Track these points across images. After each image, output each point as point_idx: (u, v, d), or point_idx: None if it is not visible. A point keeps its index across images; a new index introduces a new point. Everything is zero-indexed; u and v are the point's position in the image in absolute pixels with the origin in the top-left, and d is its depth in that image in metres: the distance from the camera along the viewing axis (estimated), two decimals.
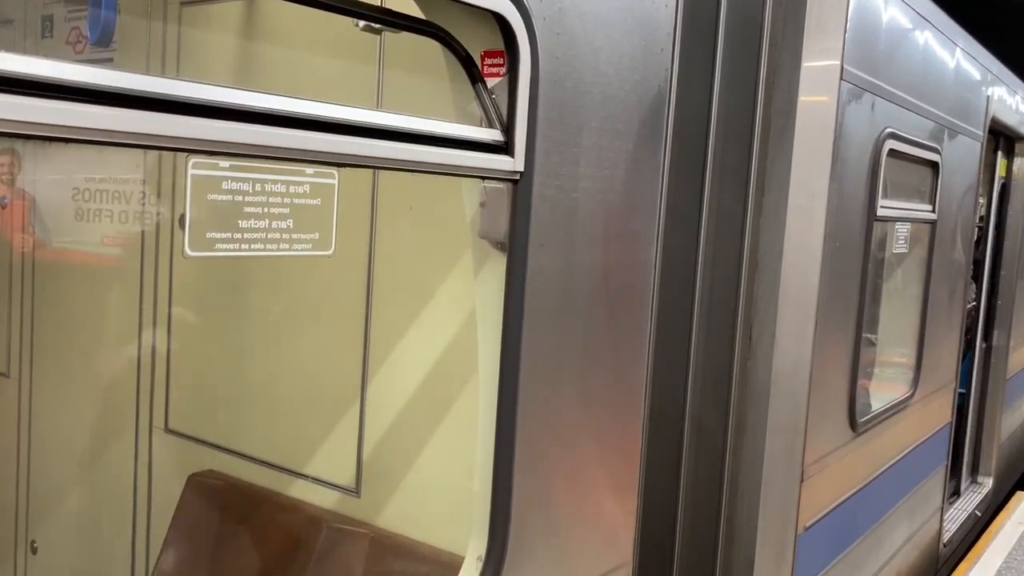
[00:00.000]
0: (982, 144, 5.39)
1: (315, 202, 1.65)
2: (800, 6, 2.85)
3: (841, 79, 3.11)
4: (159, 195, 3.51)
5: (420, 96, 2.75)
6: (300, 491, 3.22)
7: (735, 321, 2.94)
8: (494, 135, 2.01)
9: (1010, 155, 6.81)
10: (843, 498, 3.71)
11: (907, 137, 3.86)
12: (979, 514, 6.52)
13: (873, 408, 4.06)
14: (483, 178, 2.05)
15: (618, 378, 2.56)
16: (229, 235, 1.53)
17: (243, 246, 1.54)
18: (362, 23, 2.41)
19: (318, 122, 1.59)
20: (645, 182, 2.55)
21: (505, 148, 2.02)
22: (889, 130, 3.63)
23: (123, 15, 3.22)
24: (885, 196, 3.70)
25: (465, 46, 2.00)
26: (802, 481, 3.21)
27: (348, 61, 2.98)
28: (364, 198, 3.07)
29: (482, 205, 2.13)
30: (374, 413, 3.09)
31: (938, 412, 5.16)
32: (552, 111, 2.13)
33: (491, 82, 2.06)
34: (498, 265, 2.13)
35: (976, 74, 5.17)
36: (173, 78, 1.42)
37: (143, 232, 3.63)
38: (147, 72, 1.52)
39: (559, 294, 2.26)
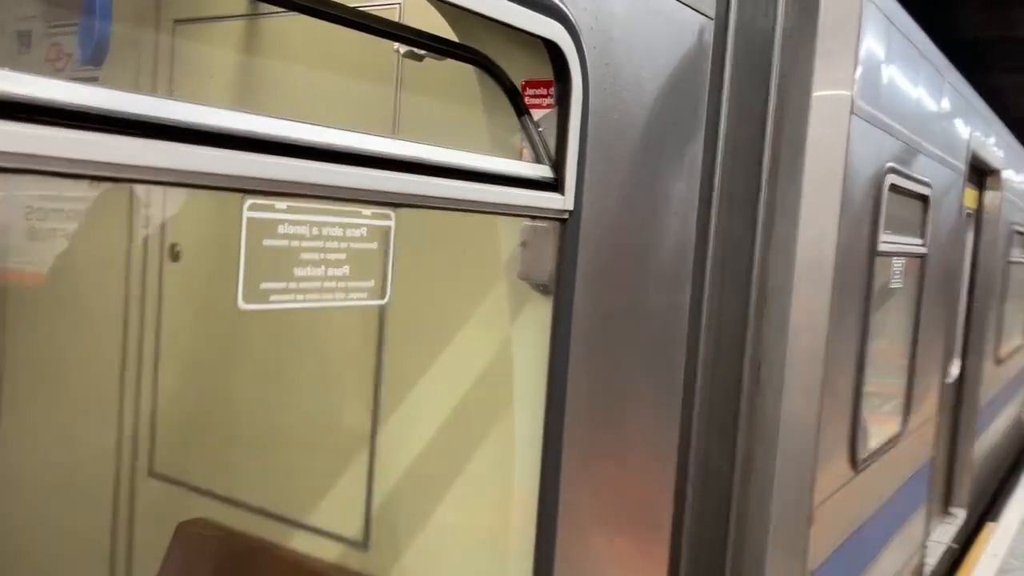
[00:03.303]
0: (964, 178, 5.43)
1: (372, 246, 1.50)
2: (811, 37, 2.80)
3: (852, 112, 3.08)
4: (148, 220, 3.30)
5: (439, 123, 2.61)
6: (302, 543, 3.01)
7: (743, 357, 2.86)
8: (543, 171, 1.88)
9: (981, 187, 6.88)
10: (843, 540, 3.64)
11: (906, 172, 3.85)
12: (955, 546, 6.52)
13: (870, 445, 4.01)
14: (533, 217, 1.92)
15: (654, 426, 2.45)
16: (284, 285, 1.36)
17: (298, 296, 1.37)
18: (404, 49, 2.27)
19: (375, 159, 1.44)
20: (682, 218, 2.45)
21: (555, 185, 1.89)
22: (890, 164, 3.60)
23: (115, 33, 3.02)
24: (884, 231, 3.67)
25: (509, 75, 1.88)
26: (810, 524, 3.13)
27: (361, 83, 2.83)
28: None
29: (523, 245, 2.00)
30: (385, 461, 2.91)
31: (924, 446, 5.14)
32: (600, 145, 2.01)
33: (536, 114, 1.93)
34: (540, 309, 1.99)
35: (961, 109, 5.21)
36: (215, 106, 1.25)
37: (129, 255, 3.42)
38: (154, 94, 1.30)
39: (603, 339, 2.12)
